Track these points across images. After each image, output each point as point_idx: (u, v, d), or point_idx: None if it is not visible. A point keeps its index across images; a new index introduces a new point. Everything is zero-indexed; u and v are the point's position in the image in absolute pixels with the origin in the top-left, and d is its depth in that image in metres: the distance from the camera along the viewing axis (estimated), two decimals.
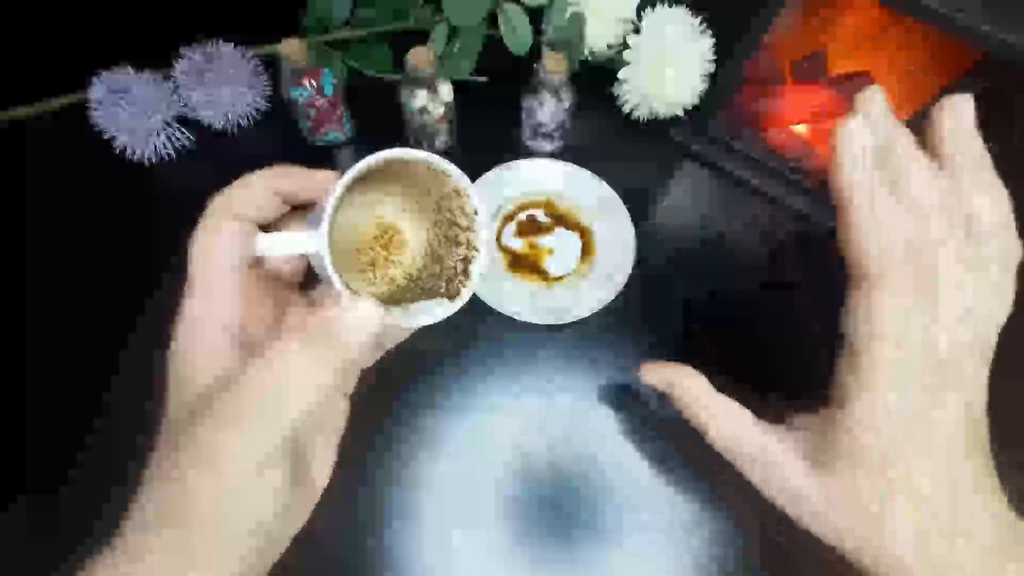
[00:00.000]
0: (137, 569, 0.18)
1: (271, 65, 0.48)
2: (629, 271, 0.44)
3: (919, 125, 0.40)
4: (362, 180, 0.24)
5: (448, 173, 0.24)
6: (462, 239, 0.26)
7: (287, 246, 0.23)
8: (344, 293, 0.21)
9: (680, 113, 0.51)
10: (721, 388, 0.40)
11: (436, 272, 0.27)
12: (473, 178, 0.47)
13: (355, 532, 0.36)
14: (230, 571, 0.19)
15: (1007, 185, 0.26)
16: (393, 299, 0.26)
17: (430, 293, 0.26)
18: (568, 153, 0.50)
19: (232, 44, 0.47)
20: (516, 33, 0.49)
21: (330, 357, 0.19)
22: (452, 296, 0.24)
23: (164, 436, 0.21)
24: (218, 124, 0.48)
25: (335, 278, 0.21)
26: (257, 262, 0.24)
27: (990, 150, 0.26)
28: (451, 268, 0.26)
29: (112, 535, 0.19)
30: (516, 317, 0.42)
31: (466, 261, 0.25)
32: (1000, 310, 0.24)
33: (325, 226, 0.21)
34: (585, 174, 0.48)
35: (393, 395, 0.40)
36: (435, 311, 0.24)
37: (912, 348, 0.24)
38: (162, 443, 0.21)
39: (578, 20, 0.48)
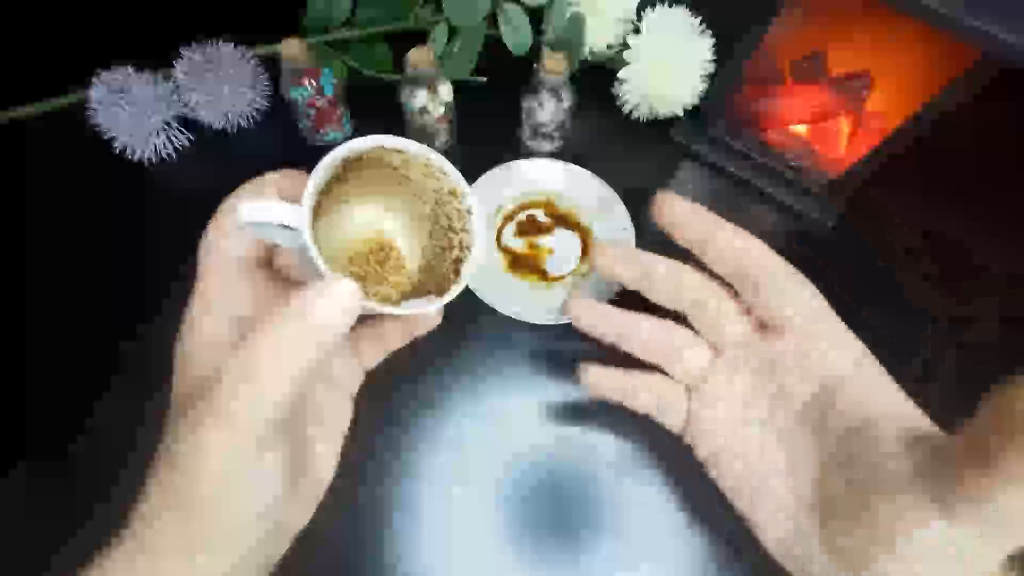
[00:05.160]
0: (143, 558, 0.19)
1: (271, 65, 0.48)
2: None
3: (919, 125, 0.40)
4: (361, 188, 0.24)
5: (445, 171, 0.24)
6: (455, 243, 0.26)
7: (268, 214, 0.21)
8: (322, 266, 0.21)
9: (680, 113, 0.51)
10: None
11: (428, 282, 0.27)
12: (473, 178, 0.47)
13: (355, 531, 0.36)
14: (237, 555, 0.20)
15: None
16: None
17: (419, 296, 0.26)
18: (568, 153, 0.50)
19: (232, 44, 0.47)
20: (516, 33, 0.49)
21: (306, 338, 0.19)
22: (440, 294, 0.24)
23: (168, 425, 0.21)
24: (218, 124, 0.48)
25: (314, 251, 0.21)
26: (263, 263, 0.24)
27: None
28: (442, 274, 0.26)
29: (120, 517, 0.19)
30: (516, 317, 0.42)
31: (457, 263, 0.25)
32: None
33: (310, 197, 0.21)
34: (585, 174, 0.48)
35: (393, 395, 0.40)
36: (421, 305, 0.24)
37: None
38: (165, 432, 0.21)
39: (578, 20, 0.48)
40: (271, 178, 0.24)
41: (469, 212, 0.25)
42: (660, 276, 0.32)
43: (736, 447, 0.29)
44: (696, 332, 0.32)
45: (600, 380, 0.34)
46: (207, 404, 0.19)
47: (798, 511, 0.26)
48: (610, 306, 0.34)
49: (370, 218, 0.27)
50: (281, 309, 0.19)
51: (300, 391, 0.19)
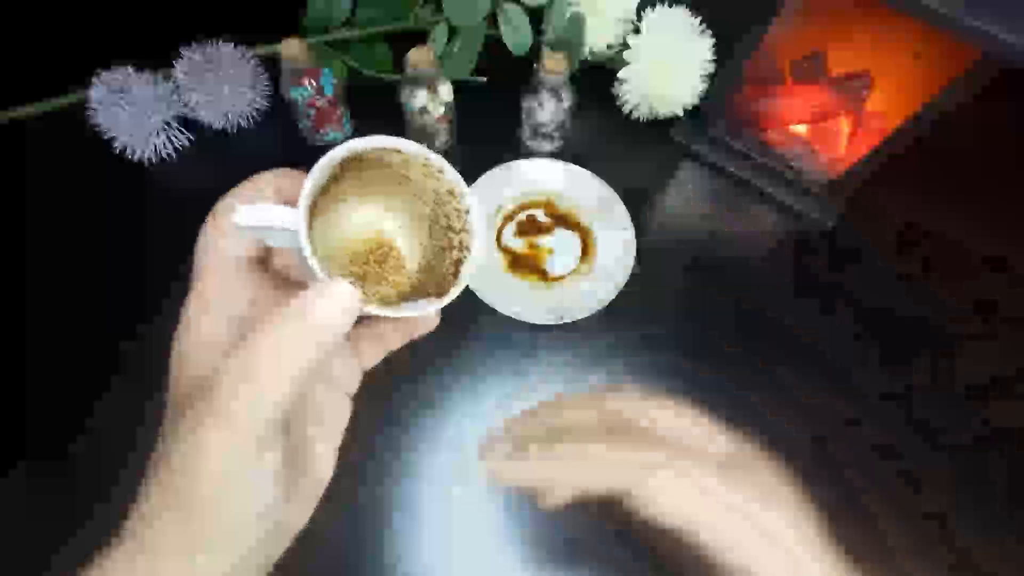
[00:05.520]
0: (143, 558, 0.19)
1: (271, 65, 0.48)
2: (629, 271, 0.44)
3: (919, 125, 0.40)
4: (360, 188, 0.24)
5: (443, 171, 0.24)
6: (455, 243, 0.26)
7: (265, 216, 0.21)
8: (318, 271, 0.21)
9: (680, 113, 0.51)
10: (717, 386, 0.41)
11: (427, 282, 0.26)
12: (473, 178, 0.47)
13: (355, 531, 0.36)
14: (237, 555, 0.20)
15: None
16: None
17: (419, 296, 0.26)
18: (568, 153, 0.50)
19: (232, 44, 0.47)
20: (516, 33, 0.49)
21: (306, 338, 0.19)
22: (440, 295, 0.24)
23: (165, 425, 0.21)
24: (218, 124, 0.48)
25: (308, 250, 0.21)
26: (261, 262, 0.24)
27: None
28: (441, 274, 0.26)
29: (120, 517, 0.19)
30: (516, 317, 0.42)
31: (457, 263, 0.25)
32: None
33: (306, 198, 0.21)
34: (585, 174, 0.48)
35: (393, 395, 0.40)
36: (420, 307, 0.24)
37: None
38: (164, 432, 0.21)
39: (578, 20, 0.48)
40: (268, 177, 0.24)
41: (468, 212, 0.25)
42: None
43: None
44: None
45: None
46: (207, 404, 0.19)
47: None
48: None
49: (369, 218, 0.27)
50: (281, 309, 0.19)
51: (300, 391, 0.19)
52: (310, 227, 0.21)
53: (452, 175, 0.24)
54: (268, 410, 0.19)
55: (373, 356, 0.28)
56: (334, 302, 0.19)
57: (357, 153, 0.23)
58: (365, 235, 0.27)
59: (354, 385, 0.27)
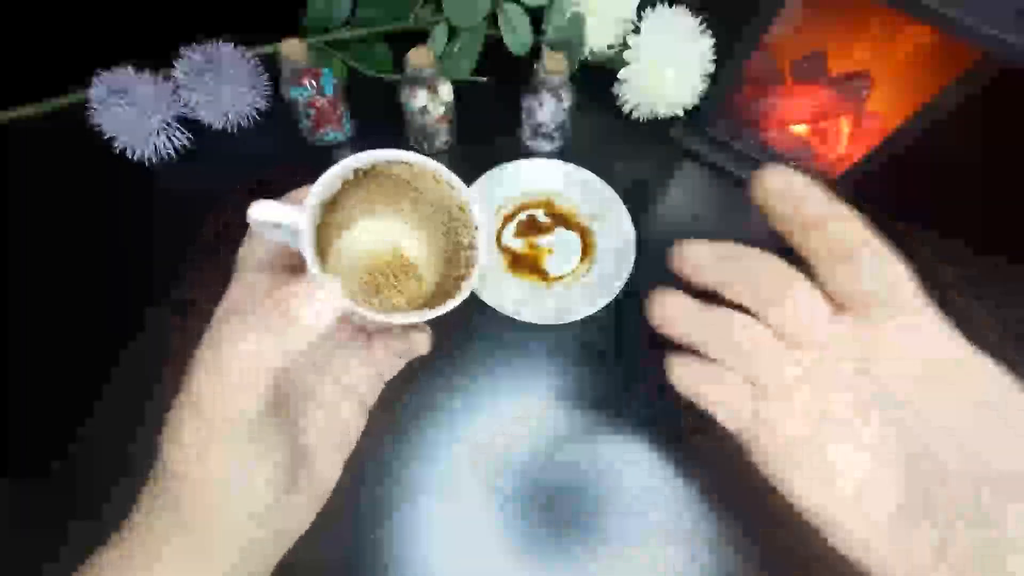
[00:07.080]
0: (140, 561, 0.19)
1: (271, 65, 0.48)
2: (629, 271, 0.44)
3: (919, 125, 0.40)
4: (382, 202, 0.25)
5: (453, 185, 0.25)
6: (462, 259, 0.26)
7: (273, 212, 0.22)
8: (312, 270, 0.21)
9: (680, 113, 0.51)
10: None
11: (439, 295, 0.27)
12: (473, 178, 0.47)
13: (355, 531, 0.36)
14: (234, 555, 0.20)
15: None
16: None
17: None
18: (568, 153, 0.50)
19: (232, 44, 0.47)
20: (516, 33, 0.49)
21: (283, 336, 0.19)
22: (433, 306, 0.24)
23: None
24: (218, 124, 0.48)
25: (307, 250, 0.21)
26: (293, 269, 0.25)
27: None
28: (447, 290, 0.26)
29: (118, 520, 0.19)
30: (516, 317, 0.42)
31: (459, 279, 0.26)
32: None
33: (314, 197, 0.21)
34: (585, 174, 0.49)
35: (392, 395, 0.39)
36: (410, 316, 0.24)
37: None
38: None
39: (578, 20, 0.48)
40: (306, 189, 0.24)
41: (476, 229, 0.25)
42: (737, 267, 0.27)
43: (807, 464, 0.25)
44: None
45: (684, 378, 0.29)
46: (187, 401, 0.19)
47: (880, 530, 0.23)
48: (696, 301, 0.29)
49: (392, 232, 0.28)
50: (256, 306, 0.19)
51: (275, 384, 0.19)
52: (323, 231, 0.22)
53: (465, 194, 0.25)
54: (240, 412, 0.19)
55: (389, 367, 0.28)
56: (315, 304, 0.20)
57: (370, 164, 0.23)
58: (384, 248, 0.28)
59: (372, 396, 0.27)
